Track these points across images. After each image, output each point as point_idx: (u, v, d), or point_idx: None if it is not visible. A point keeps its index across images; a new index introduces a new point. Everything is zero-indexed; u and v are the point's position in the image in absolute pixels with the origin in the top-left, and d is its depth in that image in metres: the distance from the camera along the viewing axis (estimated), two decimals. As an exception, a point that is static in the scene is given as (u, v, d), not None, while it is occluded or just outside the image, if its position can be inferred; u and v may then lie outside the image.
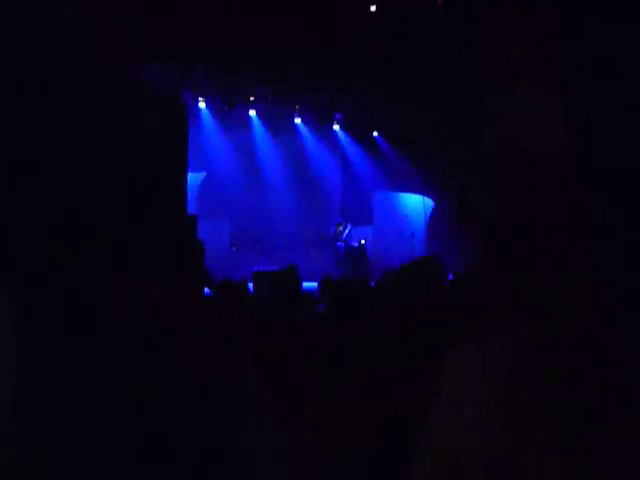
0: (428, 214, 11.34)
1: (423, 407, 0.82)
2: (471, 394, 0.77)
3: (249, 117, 10.63)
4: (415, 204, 11.50)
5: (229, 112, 9.93)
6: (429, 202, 11.37)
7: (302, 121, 11.01)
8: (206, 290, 5.86)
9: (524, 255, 0.83)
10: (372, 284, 3.76)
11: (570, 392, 0.69)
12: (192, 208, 8.11)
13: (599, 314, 0.75)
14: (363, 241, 10.60)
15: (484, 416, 0.74)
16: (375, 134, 11.50)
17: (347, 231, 10.72)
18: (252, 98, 10.03)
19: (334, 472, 1.50)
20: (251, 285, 5.63)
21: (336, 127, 11.34)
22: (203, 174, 10.56)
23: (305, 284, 4.42)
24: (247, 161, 11.09)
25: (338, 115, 11.10)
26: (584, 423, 0.68)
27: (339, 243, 10.59)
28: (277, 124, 10.93)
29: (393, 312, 1.58)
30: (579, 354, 0.71)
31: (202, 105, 9.97)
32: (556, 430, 0.70)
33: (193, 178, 9.38)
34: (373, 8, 6.53)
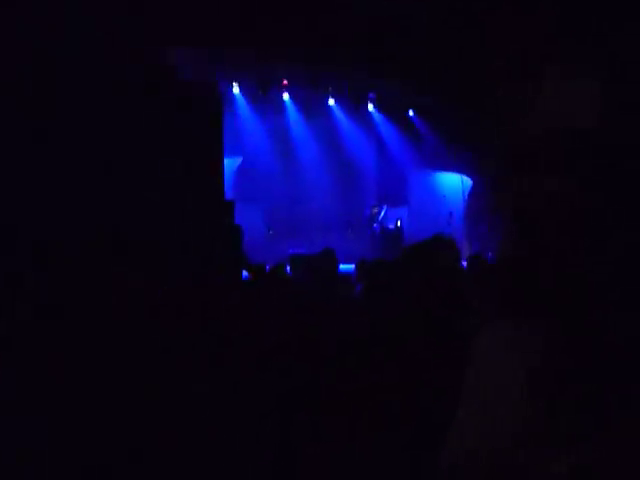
0: (467, 193, 11.13)
1: (453, 390, 0.82)
2: (500, 384, 0.77)
3: (283, 101, 10.63)
4: (453, 183, 11.29)
5: (263, 97, 9.95)
6: (467, 181, 11.14)
7: (336, 102, 10.92)
8: (244, 274, 5.95)
9: (556, 245, 0.82)
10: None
11: (593, 387, 0.69)
12: (229, 193, 8.22)
13: (622, 310, 0.74)
14: (399, 222, 10.52)
15: (513, 406, 0.74)
16: (411, 113, 11.30)
17: (383, 213, 10.66)
18: (285, 82, 10.00)
19: (371, 453, 1.52)
20: (288, 268, 5.69)
21: (370, 107, 11.19)
22: (239, 159, 10.65)
23: (342, 266, 4.44)
24: (282, 145, 11.12)
25: (372, 95, 10.94)
26: (607, 418, 0.68)
27: (375, 225, 10.55)
28: (311, 106, 10.89)
29: (415, 286, 1.58)
30: (601, 348, 0.70)
31: (236, 90, 10.02)
32: (583, 424, 0.69)
33: (229, 164, 9.47)
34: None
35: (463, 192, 11.16)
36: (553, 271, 0.80)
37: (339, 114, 11.24)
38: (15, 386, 1.56)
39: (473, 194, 10.98)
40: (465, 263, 4.59)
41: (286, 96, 10.51)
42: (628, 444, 0.67)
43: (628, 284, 0.73)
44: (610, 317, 0.71)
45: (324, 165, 11.42)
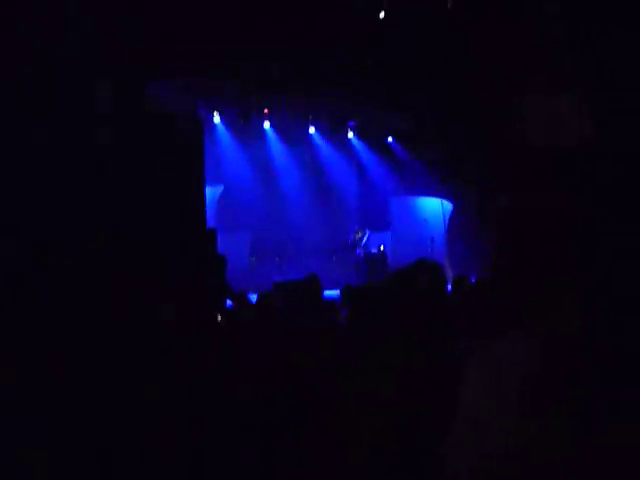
0: (447, 217, 11.27)
1: (439, 415, 0.82)
2: (494, 403, 0.76)
3: (264, 129, 10.73)
4: (434, 208, 11.44)
5: (244, 125, 10.03)
6: (448, 205, 11.29)
7: (316, 130, 11.06)
8: (228, 302, 5.90)
9: (549, 260, 0.83)
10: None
11: (587, 394, 0.69)
12: (211, 221, 8.18)
13: (620, 319, 0.75)
14: (382, 247, 10.58)
15: (507, 425, 0.74)
16: (390, 139, 11.50)
17: (365, 238, 10.72)
18: (266, 110, 10.11)
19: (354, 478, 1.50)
20: (273, 295, 5.65)
21: (350, 134, 11.37)
22: (220, 188, 10.66)
23: (326, 292, 4.43)
24: (263, 172, 11.18)
25: (352, 122, 11.13)
26: (601, 425, 0.68)
27: (358, 250, 10.59)
28: (292, 134, 11.01)
29: (397, 312, 1.59)
30: (595, 356, 0.71)
31: (217, 119, 10.09)
32: (577, 433, 0.69)
33: (210, 192, 9.47)
34: (382, 15, 6.56)
35: (444, 216, 11.30)
36: (540, 282, 0.80)
37: (320, 141, 11.37)
38: (15, 386, 1.54)
39: (453, 218, 11.12)
40: (450, 286, 4.61)
41: (267, 124, 10.61)
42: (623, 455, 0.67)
43: (618, 292, 0.74)
44: (600, 326, 0.71)
45: (306, 192, 11.50)
